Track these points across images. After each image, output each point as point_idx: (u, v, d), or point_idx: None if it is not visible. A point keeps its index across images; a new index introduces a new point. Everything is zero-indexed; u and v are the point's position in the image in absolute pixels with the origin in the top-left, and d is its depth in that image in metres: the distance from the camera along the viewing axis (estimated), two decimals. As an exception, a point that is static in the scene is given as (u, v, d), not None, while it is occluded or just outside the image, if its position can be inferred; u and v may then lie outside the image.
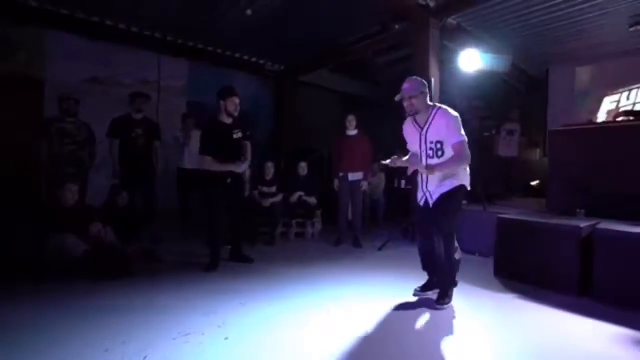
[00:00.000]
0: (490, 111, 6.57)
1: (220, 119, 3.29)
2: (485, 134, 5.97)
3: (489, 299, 2.71)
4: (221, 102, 3.24)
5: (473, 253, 3.90)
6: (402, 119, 2.62)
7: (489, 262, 3.41)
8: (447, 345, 1.96)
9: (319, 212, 4.88)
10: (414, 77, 2.46)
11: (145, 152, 4.17)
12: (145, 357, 1.76)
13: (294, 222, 4.72)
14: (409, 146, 2.64)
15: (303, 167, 4.77)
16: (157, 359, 1.75)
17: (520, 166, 6.37)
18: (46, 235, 3.04)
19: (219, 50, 6.06)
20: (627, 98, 5.74)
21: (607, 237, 2.68)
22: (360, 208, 4.49)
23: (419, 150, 2.49)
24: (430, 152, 2.41)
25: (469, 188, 2.49)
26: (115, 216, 3.54)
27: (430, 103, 2.44)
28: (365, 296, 2.68)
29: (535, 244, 3.02)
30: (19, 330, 2.01)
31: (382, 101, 7.04)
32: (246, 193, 3.61)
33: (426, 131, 2.41)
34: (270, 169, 4.74)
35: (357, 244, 4.37)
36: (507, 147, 6.18)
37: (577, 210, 3.38)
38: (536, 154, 6.71)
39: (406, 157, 2.61)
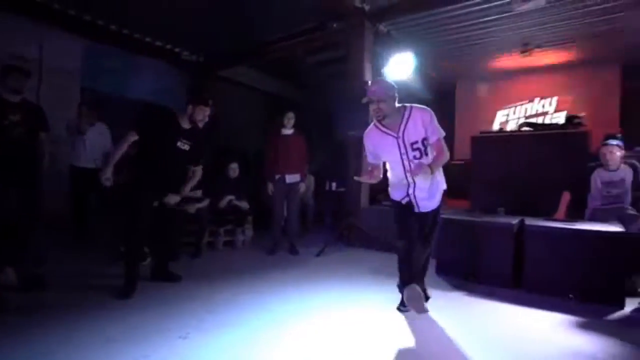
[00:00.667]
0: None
1: (177, 119, 2.75)
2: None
3: (438, 297, 2.68)
4: (190, 106, 2.74)
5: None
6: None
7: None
8: (411, 346, 1.96)
9: (250, 217, 4.45)
10: (381, 78, 2.33)
11: (25, 145, 3.20)
12: None
13: (222, 230, 4.21)
14: (373, 159, 2.36)
15: (234, 169, 4.28)
16: None
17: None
18: None
19: (125, 31, 5.15)
20: (514, 113, 6.82)
21: (535, 232, 2.95)
22: (296, 213, 4.22)
23: (398, 158, 2.27)
24: (417, 154, 2.23)
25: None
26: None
27: (398, 104, 2.28)
28: (326, 306, 2.46)
29: (472, 241, 3.18)
30: None
31: (307, 104, 6.97)
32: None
33: (403, 134, 2.22)
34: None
35: (293, 251, 4.10)
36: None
37: (498, 208, 3.71)
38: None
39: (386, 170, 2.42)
